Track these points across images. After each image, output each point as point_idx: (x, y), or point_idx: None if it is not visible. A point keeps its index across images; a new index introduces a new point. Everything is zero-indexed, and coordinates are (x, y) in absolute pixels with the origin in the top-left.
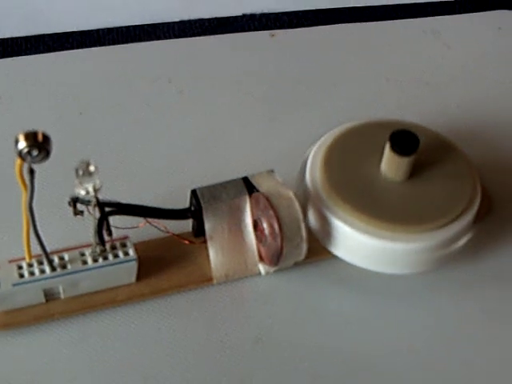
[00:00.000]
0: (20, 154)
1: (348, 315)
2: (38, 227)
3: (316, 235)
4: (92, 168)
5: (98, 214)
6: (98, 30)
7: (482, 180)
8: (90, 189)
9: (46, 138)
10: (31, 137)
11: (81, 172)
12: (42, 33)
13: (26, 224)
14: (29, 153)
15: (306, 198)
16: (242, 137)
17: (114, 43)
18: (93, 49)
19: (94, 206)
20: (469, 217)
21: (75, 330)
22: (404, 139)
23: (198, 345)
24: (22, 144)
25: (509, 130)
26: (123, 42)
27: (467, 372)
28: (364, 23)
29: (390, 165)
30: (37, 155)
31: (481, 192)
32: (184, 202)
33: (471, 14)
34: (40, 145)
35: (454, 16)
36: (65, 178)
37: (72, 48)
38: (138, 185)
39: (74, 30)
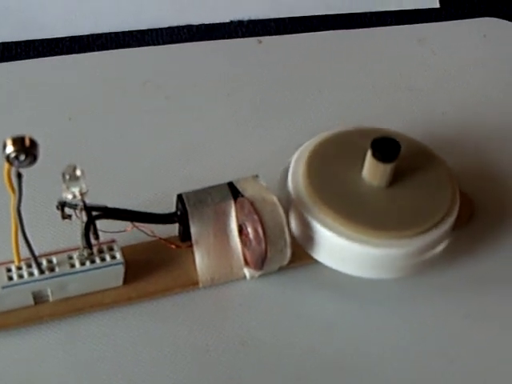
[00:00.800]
0: (7, 158)
1: (330, 318)
2: (27, 230)
3: (299, 240)
4: (78, 172)
5: (85, 218)
6: (87, 36)
7: (464, 187)
8: (77, 193)
9: (33, 143)
10: (19, 142)
11: (67, 176)
12: (32, 38)
13: (15, 227)
14: (16, 157)
15: (288, 203)
16: (228, 142)
17: (102, 49)
18: (82, 54)
19: (81, 210)
20: (448, 223)
21: (63, 332)
22: (385, 146)
23: (185, 347)
24: (10, 148)
25: (493, 137)
26: (112, 48)
27: (448, 375)
28: (350, 30)
29: (372, 171)
30: (24, 160)
31: (460, 199)
32: (170, 207)
33: (457, 21)
34: (27, 149)
35: (440, 23)
36: (53, 182)
37: (61, 53)
38: (125, 189)
39: (64, 35)
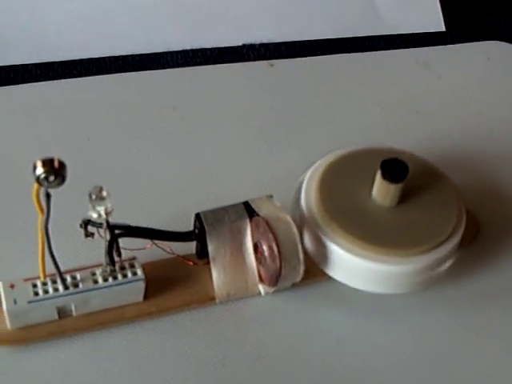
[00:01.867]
0: (37, 179)
1: (341, 332)
2: (53, 248)
3: (312, 257)
4: (104, 193)
5: (108, 236)
6: (104, 59)
7: (469, 205)
8: (102, 212)
9: (62, 165)
10: (48, 163)
11: (94, 196)
12: (52, 60)
13: (42, 245)
14: (46, 178)
15: (301, 222)
16: (242, 162)
17: (120, 71)
18: (100, 76)
19: (105, 228)
20: (455, 241)
21: (86, 346)
22: (394, 167)
23: (202, 361)
24: (40, 170)
25: (496, 158)
26: (129, 70)
27: None
28: (358, 53)
29: (381, 191)
30: (53, 180)
31: (466, 217)
32: (188, 225)
33: (461, 44)
34: (56, 171)
35: (445, 46)
36: (74, 202)
37: (80, 75)
38: (144, 208)
39: (82, 58)
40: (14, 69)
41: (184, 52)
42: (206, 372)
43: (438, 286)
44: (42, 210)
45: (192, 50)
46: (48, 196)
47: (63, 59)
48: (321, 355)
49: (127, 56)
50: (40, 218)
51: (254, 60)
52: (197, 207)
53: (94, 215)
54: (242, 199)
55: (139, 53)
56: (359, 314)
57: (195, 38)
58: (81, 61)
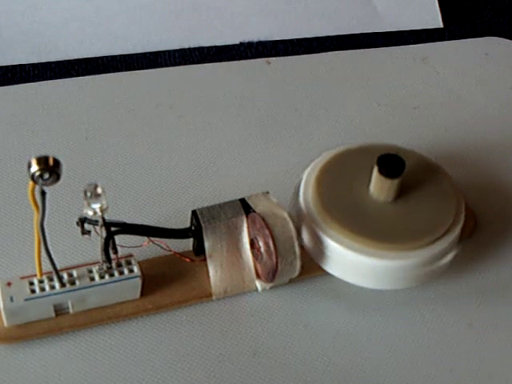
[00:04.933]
0: (32, 177)
1: (339, 328)
2: (49, 245)
3: (309, 253)
4: (99, 190)
5: (104, 234)
6: (101, 58)
7: (467, 200)
8: (97, 209)
9: (57, 162)
10: (43, 161)
11: (89, 194)
12: (49, 60)
13: (38, 242)
14: (40, 176)
15: (299, 218)
16: (239, 160)
17: (117, 70)
18: (97, 76)
19: (101, 225)
20: (453, 235)
21: (83, 343)
22: (391, 162)
23: (199, 357)
24: (34, 168)
25: (494, 152)
26: (125, 69)
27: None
28: (356, 50)
29: (378, 186)
30: (48, 178)
31: (465, 211)
32: (185, 222)
33: (459, 40)
34: (51, 168)
35: (443, 43)
36: (72, 199)
37: (77, 75)
38: (141, 206)
39: (79, 57)
40: (11, 69)
41: (181, 50)
42: (202, 368)
43: (436, 281)
44: (37, 208)
45: (189, 49)
46: (43, 194)
47: (60, 59)
48: (317, 351)
49: (124, 55)
50: (36, 216)
51: (252, 58)
52: (193, 204)
53: (90, 212)
54: (240, 196)
55: (136, 52)
56: (357, 310)
57: (193, 36)
58: (78, 60)
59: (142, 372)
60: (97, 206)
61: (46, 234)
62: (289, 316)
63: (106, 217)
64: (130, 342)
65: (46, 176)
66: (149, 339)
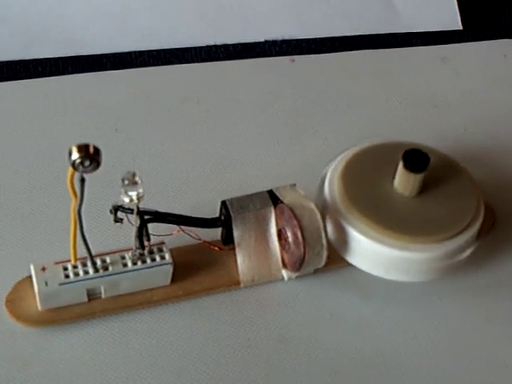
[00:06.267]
0: (73, 164)
1: (361, 317)
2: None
3: (333, 245)
4: (137, 178)
5: (138, 221)
6: (130, 53)
7: (486, 197)
8: (134, 197)
9: (97, 150)
10: (83, 149)
11: (126, 181)
12: (79, 54)
13: (74, 228)
14: (81, 163)
15: (324, 210)
16: (266, 153)
17: (145, 65)
18: (125, 70)
19: (136, 213)
20: (473, 230)
21: (114, 327)
22: (416, 157)
23: (227, 342)
24: (75, 155)
25: (511, 151)
26: (154, 65)
27: (472, 375)
28: (378, 50)
29: (403, 181)
30: (88, 165)
31: (484, 208)
32: (214, 212)
33: (478, 42)
34: (91, 156)
35: (462, 44)
36: (102, 189)
37: (106, 69)
38: (171, 197)
39: (109, 52)
40: (42, 62)
41: (208, 48)
42: (230, 354)
43: (455, 275)
44: (75, 195)
45: (215, 46)
46: (83, 180)
47: (90, 53)
48: (340, 338)
49: (152, 51)
50: (73, 203)
51: (276, 56)
52: (221, 196)
53: (126, 199)
54: (266, 188)
55: (164, 48)
56: (379, 301)
57: (219, 34)
58: (106, 55)
59: (172, 357)
60: (133, 194)
61: (83, 221)
62: (314, 305)
63: (140, 206)
64: (161, 327)
65: (87, 163)
66: (178, 324)
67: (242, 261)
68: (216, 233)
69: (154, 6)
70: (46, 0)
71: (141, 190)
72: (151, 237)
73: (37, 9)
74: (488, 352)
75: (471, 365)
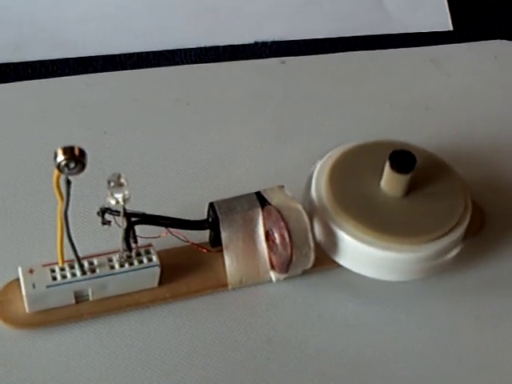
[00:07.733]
0: (58, 166)
1: (349, 318)
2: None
3: (322, 246)
4: (123, 180)
5: (125, 223)
6: (119, 55)
7: (475, 197)
8: (120, 199)
9: (82, 152)
10: (69, 151)
11: (112, 184)
12: (68, 57)
13: (61, 231)
14: (66, 165)
15: (311, 211)
16: (254, 154)
17: (134, 67)
18: (115, 72)
19: (123, 215)
20: (461, 230)
21: (102, 329)
22: (402, 158)
23: (214, 344)
24: (61, 157)
25: (502, 152)
26: (143, 67)
27: (458, 374)
28: (368, 51)
29: (389, 181)
30: (73, 168)
31: (472, 208)
32: (201, 215)
33: (469, 43)
34: (76, 158)
35: (453, 45)
36: (90, 192)
37: (95, 71)
38: (159, 198)
39: (98, 54)
40: (31, 64)
41: (198, 49)
42: (218, 355)
43: (445, 275)
44: (61, 197)
45: (205, 48)
46: (68, 183)
47: (79, 56)
48: (328, 340)
49: (142, 53)
50: (60, 205)
51: (266, 57)
52: (209, 197)
53: (112, 202)
54: (254, 190)
55: (154, 50)
56: (367, 301)
57: (209, 35)
58: (96, 57)
59: (160, 358)
60: (119, 196)
61: (69, 223)
62: (302, 306)
63: (126, 208)
64: (148, 329)
65: (72, 165)
66: (166, 326)
67: (230, 263)
68: (204, 235)
69: (143, 8)
70: (37, 4)
71: (127, 192)
72: (138, 239)
73: (26, 12)
74: (479, 352)
75: (462, 365)
